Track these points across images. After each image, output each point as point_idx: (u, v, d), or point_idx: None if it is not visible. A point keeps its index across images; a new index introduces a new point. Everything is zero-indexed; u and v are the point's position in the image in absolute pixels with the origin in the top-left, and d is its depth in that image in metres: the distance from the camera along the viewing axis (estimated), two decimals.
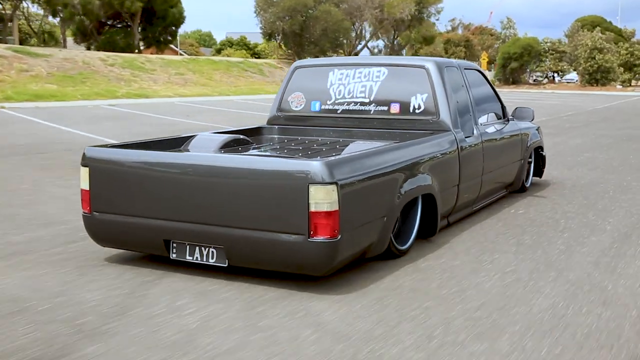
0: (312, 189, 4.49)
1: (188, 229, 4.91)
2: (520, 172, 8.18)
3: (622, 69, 59.63)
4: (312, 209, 4.50)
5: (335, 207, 4.52)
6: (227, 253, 4.84)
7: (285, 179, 4.61)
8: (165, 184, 4.96)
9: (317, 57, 43.92)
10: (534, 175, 8.92)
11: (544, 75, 67.45)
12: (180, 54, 53.19)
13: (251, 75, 43.08)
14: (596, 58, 56.52)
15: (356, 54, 56.12)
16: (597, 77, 56.84)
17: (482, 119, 7.19)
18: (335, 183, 4.52)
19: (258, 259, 4.78)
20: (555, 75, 66.93)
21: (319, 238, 4.52)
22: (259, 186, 4.68)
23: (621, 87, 57.57)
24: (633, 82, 63.21)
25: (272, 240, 4.64)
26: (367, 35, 61.69)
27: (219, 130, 7.02)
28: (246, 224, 4.71)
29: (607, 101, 36.49)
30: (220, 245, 4.85)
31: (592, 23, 67.35)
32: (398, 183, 5.28)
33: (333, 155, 5.22)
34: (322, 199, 4.49)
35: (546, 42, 64.51)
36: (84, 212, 5.31)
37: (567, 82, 66.23)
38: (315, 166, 4.52)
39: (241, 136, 6.31)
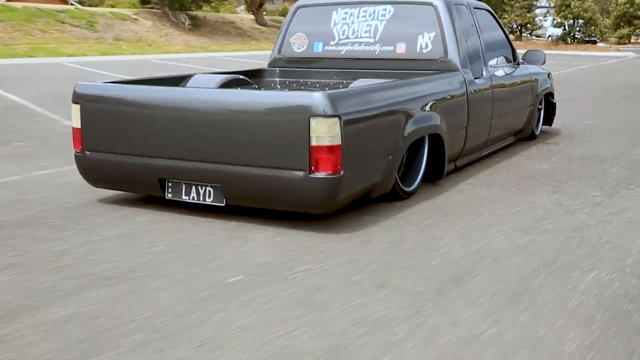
0: (314, 122, 4.25)
1: (184, 167, 4.69)
2: (530, 118, 7.91)
3: (607, 22, 50.71)
4: (314, 143, 4.27)
5: (338, 142, 4.29)
6: (224, 192, 4.62)
7: (286, 112, 4.37)
8: (160, 120, 4.73)
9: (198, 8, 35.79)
10: (543, 124, 8.65)
11: (509, 31, 46.79)
12: None
13: (70, 29, 28.62)
14: (571, 6, 43.24)
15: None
16: (573, 31, 44.11)
17: (492, 62, 6.91)
18: (338, 116, 4.27)
19: (257, 197, 4.57)
20: (524, 29, 51.33)
21: (321, 174, 4.30)
22: (258, 120, 4.45)
23: (604, 45, 45.80)
24: (633, 39, 53.79)
25: (272, 177, 4.42)
26: None
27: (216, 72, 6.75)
28: (244, 160, 4.49)
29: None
30: (217, 184, 4.63)
31: None
32: (404, 120, 5.03)
33: (336, 88, 4.97)
34: (324, 132, 4.26)
35: None
36: (76, 152, 5.09)
37: (537, 40, 51.91)
38: (317, 98, 4.27)
39: (241, 76, 6.05)
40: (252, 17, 39.78)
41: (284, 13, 42.52)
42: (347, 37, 6.58)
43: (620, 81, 18.12)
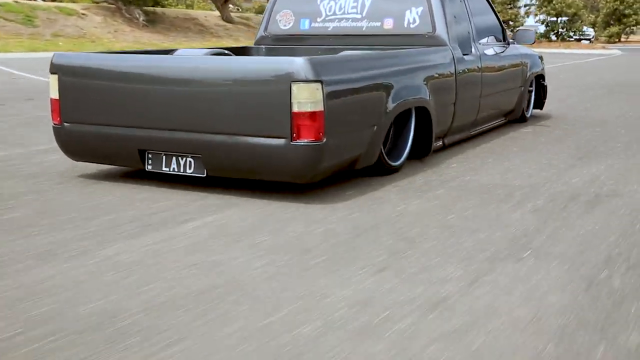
0: (295, 88, 4.14)
1: (164, 138, 4.58)
2: (520, 99, 7.81)
3: (591, 17, 46.67)
4: (295, 109, 4.16)
5: (320, 108, 4.18)
6: (204, 162, 4.51)
7: (267, 78, 4.26)
8: (138, 89, 4.62)
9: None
10: (534, 107, 8.56)
11: None
12: None
13: (2, 24, 25.11)
14: (554, 2, 39.47)
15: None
16: (556, 28, 40.64)
17: (482, 40, 6.81)
18: (320, 81, 4.17)
19: (238, 167, 4.46)
20: (506, 26, 49.18)
21: (303, 141, 4.19)
22: (238, 87, 4.34)
23: (588, 42, 42.68)
24: (623, 37, 49.89)
25: (253, 146, 4.32)
26: None
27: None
28: (225, 129, 4.38)
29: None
30: (197, 154, 4.52)
31: None
32: (390, 91, 4.92)
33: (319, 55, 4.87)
34: (306, 98, 4.15)
35: None
36: (54, 124, 4.97)
37: None
38: (298, 63, 4.17)
39: (225, 50, 5.94)
40: (219, 13, 36.17)
41: (260, 10, 40.42)
42: (334, 14, 6.49)
43: (594, 80, 15.62)
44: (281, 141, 4.23)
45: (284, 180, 4.44)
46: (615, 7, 47.46)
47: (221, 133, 4.39)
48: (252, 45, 6.89)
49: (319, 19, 6.54)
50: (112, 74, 4.75)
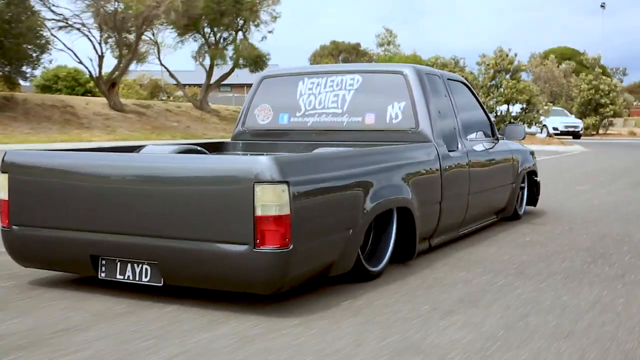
0: (259, 189, 3.78)
1: (117, 242, 4.18)
2: (512, 196, 7.46)
3: (547, 103, 35.11)
4: (259, 212, 3.78)
5: (286, 211, 3.80)
6: (161, 270, 4.09)
7: (228, 178, 3.91)
8: (89, 189, 4.26)
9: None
10: (527, 204, 8.20)
11: None
12: None
13: None
14: (503, 87, 30.46)
15: None
16: (508, 119, 30.52)
17: (469, 136, 6.52)
18: (286, 182, 3.81)
19: (197, 276, 4.04)
20: None
21: (267, 248, 3.79)
22: (196, 187, 3.98)
23: (544, 135, 34.05)
24: (601, 130, 43.92)
25: (213, 252, 3.91)
26: None
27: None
28: (182, 233, 3.99)
29: None
30: (153, 261, 4.11)
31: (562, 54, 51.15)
32: (366, 191, 4.56)
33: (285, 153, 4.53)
34: (271, 200, 3.78)
35: (436, 61, 37.91)
36: (2, 227, 4.58)
37: None
38: (262, 162, 3.82)
39: (197, 147, 5.62)
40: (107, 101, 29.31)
41: (195, 97, 36.48)
42: (314, 108, 6.22)
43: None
44: (243, 248, 3.82)
45: (247, 291, 4.01)
46: (590, 96, 42.00)
47: (178, 238, 4.00)
48: (229, 141, 6.59)
49: (298, 114, 6.27)
50: (62, 173, 4.40)
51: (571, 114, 41.32)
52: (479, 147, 6.62)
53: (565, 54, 55.09)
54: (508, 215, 7.54)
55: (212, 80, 35.74)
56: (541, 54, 51.03)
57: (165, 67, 34.70)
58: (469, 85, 7.00)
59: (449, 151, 5.91)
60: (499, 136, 7.24)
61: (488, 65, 31.28)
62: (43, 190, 4.43)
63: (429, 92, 5.91)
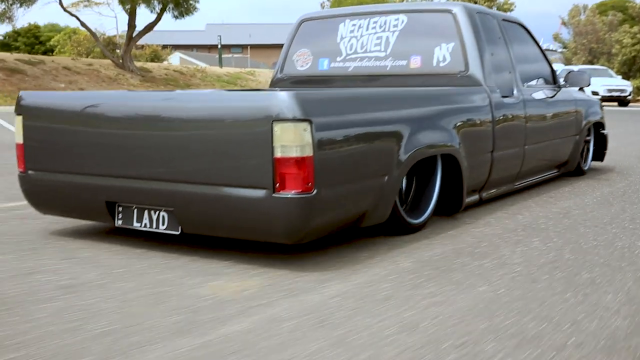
0: (278, 128, 3.40)
1: (132, 188, 3.90)
2: (575, 150, 6.87)
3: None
4: (278, 154, 3.41)
5: (309, 153, 3.42)
6: (178, 217, 3.79)
7: (245, 116, 3.54)
8: (106, 130, 3.97)
9: None
10: (593, 159, 7.58)
11: None
12: None
13: None
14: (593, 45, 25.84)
15: None
16: None
17: (527, 82, 5.97)
18: (309, 121, 3.42)
19: (214, 223, 3.72)
20: None
21: (287, 193, 3.42)
22: (212, 127, 3.64)
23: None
24: None
25: (230, 198, 3.58)
26: None
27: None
28: (198, 177, 3.66)
29: None
30: (170, 207, 3.81)
31: None
32: (405, 134, 4.13)
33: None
34: (291, 141, 3.40)
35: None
36: (19, 172, 4.36)
37: None
38: (281, 98, 3.43)
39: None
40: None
41: (155, 57, 33.71)
42: (356, 52, 5.78)
43: None
44: (262, 192, 3.47)
45: (268, 240, 3.67)
46: (634, 52, 34.83)
47: (194, 182, 3.68)
48: (265, 89, 6.22)
49: (339, 59, 5.84)
50: (77, 115, 4.12)
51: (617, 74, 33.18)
52: (537, 95, 6.06)
53: (617, 5, 45.05)
54: (571, 170, 6.97)
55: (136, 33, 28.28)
56: (586, 5, 42.43)
57: (71, 13, 27.75)
58: (527, 27, 6.41)
59: (502, 97, 5.41)
60: (562, 83, 6.64)
61: None
62: (57, 133, 4.18)
63: (480, 32, 5.40)
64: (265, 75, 34.25)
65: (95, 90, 22.28)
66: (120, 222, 4.03)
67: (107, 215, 4.06)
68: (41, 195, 4.32)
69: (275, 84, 6.19)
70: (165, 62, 35.94)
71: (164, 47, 40.98)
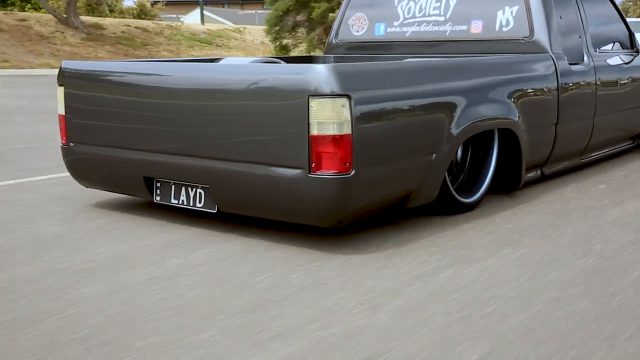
0: (314, 104, 3.20)
1: (170, 164, 3.79)
2: None
3: None
4: (314, 131, 3.22)
5: (347, 130, 3.21)
6: (213, 195, 3.66)
7: (280, 91, 3.35)
8: (144, 102, 3.86)
9: None
10: None
11: None
12: None
13: None
14: None
15: None
16: None
17: (600, 47, 5.52)
18: (347, 96, 3.20)
19: (250, 202, 3.58)
20: None
21: (324, 173, 3.23)
22: (246, 102, 3.47)
23: None
24: None
25: (265, 177, 3.42)
26: None
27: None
28: (233, 154, 3.52)
29: None
30: (206, 185, 3.69)
31: None
32: (457, 109, 3.85)
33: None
34: (328, 117, 3.20)
35: None
36: (62, 144, 4.31)
37: None
38: (318, 72, 3.22)
39: (275, 59, 5.07)
40: None
41: (141, 13, 27.65)
42: (414, 16, 5.46)
43: None
44: (297, 172, 3.29)
45: (304, 222, 3.49)
46: None
47: (229, 160, 3.53)
48: (319, 55, 5.99)
49: (395, 23, 5.53)
50: (118, 86, 4.03)
51: None
52: (611, 60, 5.61)
53: None
54: None
55: None
56: None
57: None
58: None
59: (570, 64, 5.01)
60: None
61: None
62: (97, 105, 4.09)
63: None
64: (255, 32, 27.98)
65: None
66: (158, 198, 3.94)
67: (146, 190, 3.97)
68: (82, 168, 4.27)
69: (330, 50, 5.94)
70: (178, 22, 28.33)
71: (154, 3, 32.65)
